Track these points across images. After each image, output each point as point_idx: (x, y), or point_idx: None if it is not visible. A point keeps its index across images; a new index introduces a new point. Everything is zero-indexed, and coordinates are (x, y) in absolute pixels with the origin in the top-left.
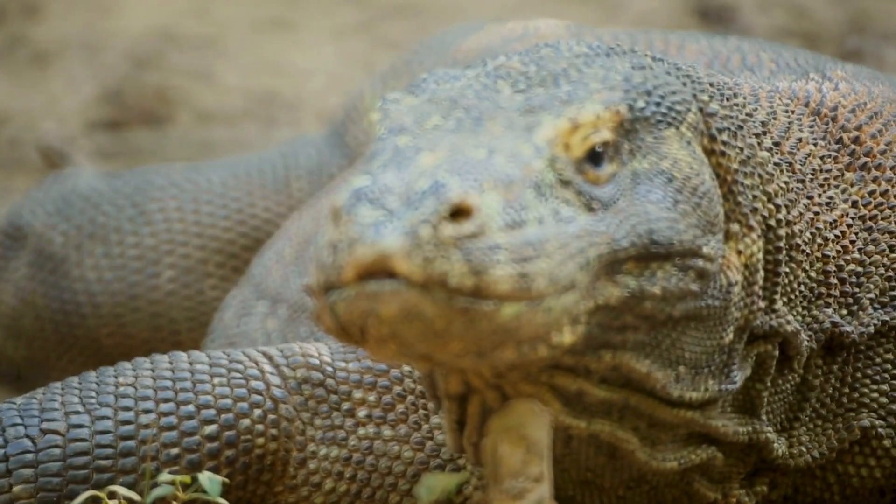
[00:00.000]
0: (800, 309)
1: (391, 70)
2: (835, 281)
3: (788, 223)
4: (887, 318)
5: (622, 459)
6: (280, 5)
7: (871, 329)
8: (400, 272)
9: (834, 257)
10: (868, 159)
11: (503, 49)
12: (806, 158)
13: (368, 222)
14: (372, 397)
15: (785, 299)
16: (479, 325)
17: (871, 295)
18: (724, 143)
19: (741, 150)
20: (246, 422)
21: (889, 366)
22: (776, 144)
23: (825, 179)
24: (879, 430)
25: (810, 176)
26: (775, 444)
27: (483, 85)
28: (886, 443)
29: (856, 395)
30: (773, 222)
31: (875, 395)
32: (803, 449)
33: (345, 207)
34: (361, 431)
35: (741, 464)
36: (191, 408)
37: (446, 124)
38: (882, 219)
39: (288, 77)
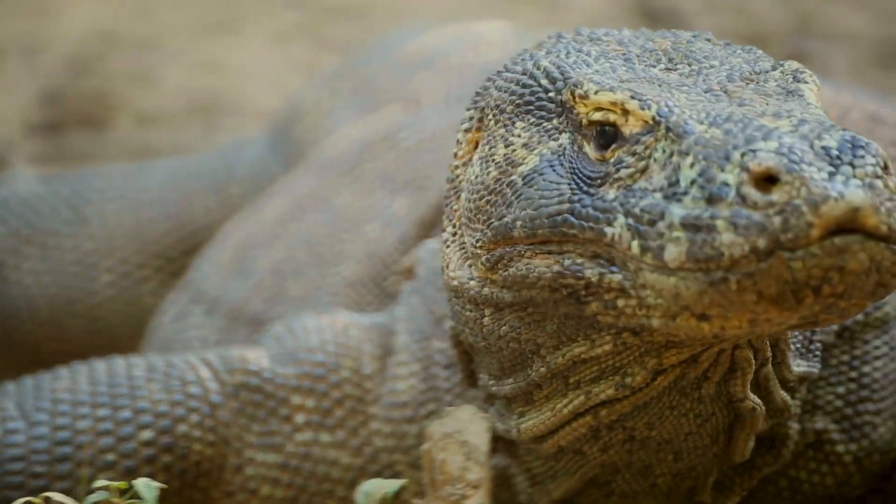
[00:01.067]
0: None
1: (335, 72)
2: None
3: None
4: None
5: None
6: (221, 8)
7: (831, 333)
8: (868, 226)
9: None
10: None
11: (447, 51)
12: None
13: (822, 179)
14: (310, 402)
15: None
16: None
17: None
18: None
19: None
20: (183, 427)
21: (845, 367)
22: None
23: None
24: (833, 434)
25: None
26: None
27: None
28: (840, 448)
29: (811, 396)
30: None
31: (830, 397)
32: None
33: (779, 168)
34: (299, 437)
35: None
36: (127, 413)
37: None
38: None
39: (229, 79)
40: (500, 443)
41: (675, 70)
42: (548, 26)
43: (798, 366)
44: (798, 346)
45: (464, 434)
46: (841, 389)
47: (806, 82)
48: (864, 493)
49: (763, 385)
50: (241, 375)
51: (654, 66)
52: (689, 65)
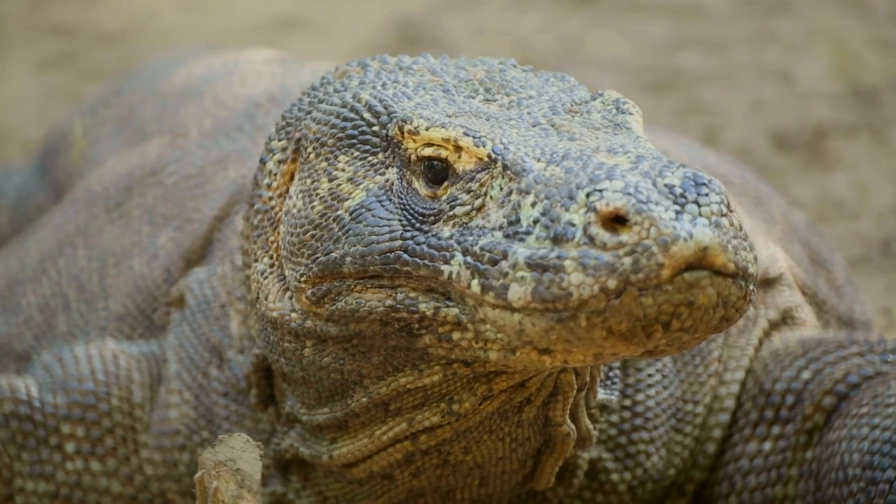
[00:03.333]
0: None
1: (100, 100)
2: None
3: None
4: None
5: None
6: None
7: None
8: (716, 264)
9: None
10: None
11: (214, 81)
12: None
13: (671, 218)
14: (80, 431)
15: None
16: (747, 307)
17: None
18: None
19: None
20: None
21: (619, 395)
22: None
23: None
24: (608, 463)
25: None
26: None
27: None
28: (614, 477)
29: (585, 424)
30: None
31: (605, 426)
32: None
33: (628, 208)
34: (69, 466)
35: None
36: None
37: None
38: None
39: None
40: (293, 464)
41: (495, 101)
42: (315, 54)
43: (599, 393)
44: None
45: (237, 462)
46: (615, 418)
47: (630, 113)
48: None
49: (573, 412)
50: (9, 405)
51: (474, 98)
52: (508, 95)
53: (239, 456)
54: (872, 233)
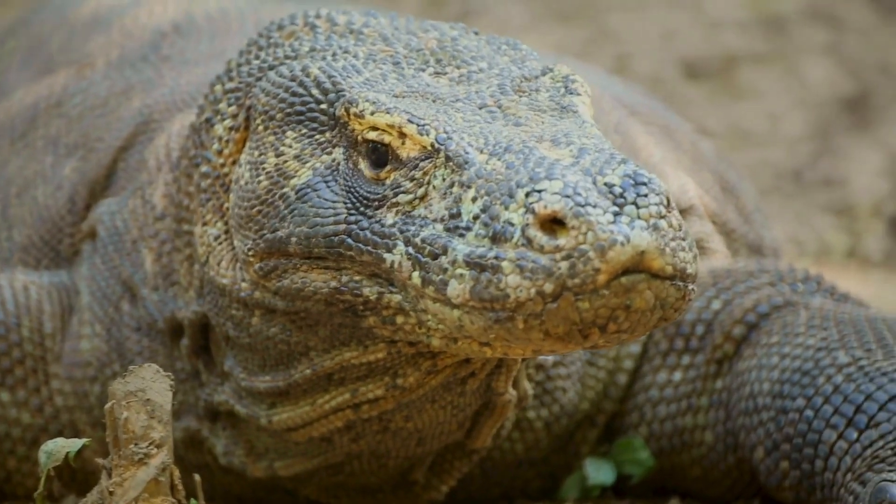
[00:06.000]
0: None
1: (8, 30)
2: None
3: None
4: None
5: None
6: None
7: None
8: (653, 268)
9: None
10: None
11: (122, 12)
12: None
13: (608, 222)
14: None
15: None
16: (686, 306)
17: None
18: None
19: None
20: None
21: None
22: None
23: None
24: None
25: None
26: None
27: None
28: (531, 414)
29: (524, 386)
30: None
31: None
32: None
33: (565, 212)
34: None
35: None
36: None
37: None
38: None
39: None
40: (223, 415)
41: (445, 74)
42: None
43: None
44: None
45: (147, 392)
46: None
47: (578, 94)
48: (549, 454)
49: (515, 378)
50: None
51: (424, 70)
52: (458, 67)
53: (149, 386)
54: (783, 162)
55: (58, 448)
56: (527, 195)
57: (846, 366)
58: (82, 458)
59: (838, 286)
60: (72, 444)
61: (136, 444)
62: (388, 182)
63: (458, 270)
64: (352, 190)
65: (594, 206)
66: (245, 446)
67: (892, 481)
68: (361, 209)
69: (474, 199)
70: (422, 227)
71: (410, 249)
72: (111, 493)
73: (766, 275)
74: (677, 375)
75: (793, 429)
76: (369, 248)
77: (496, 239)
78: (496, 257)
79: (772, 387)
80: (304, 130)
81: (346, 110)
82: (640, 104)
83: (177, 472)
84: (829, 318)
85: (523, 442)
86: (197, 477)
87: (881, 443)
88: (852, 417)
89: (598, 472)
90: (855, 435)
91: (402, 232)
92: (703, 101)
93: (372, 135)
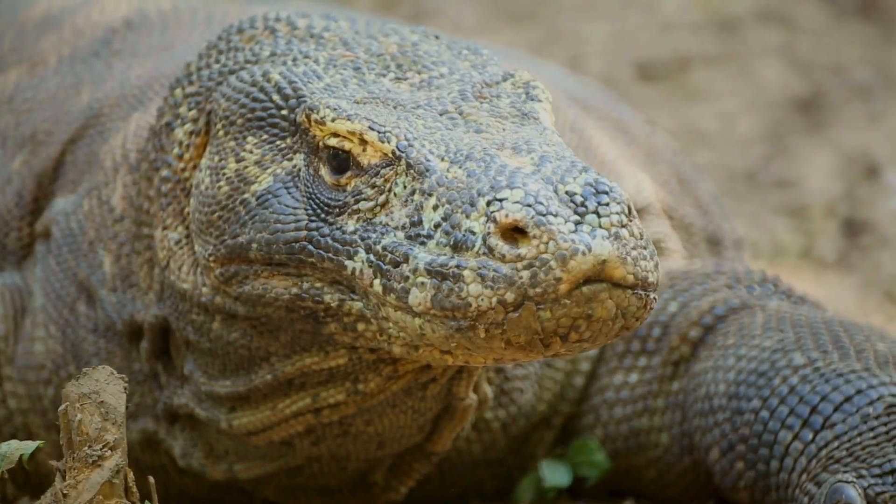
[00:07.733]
0: None
1: None
2: None
3: None
4: None
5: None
6: None
7: None
8: (615, 277)
9: None
10: None
11: (74, 10)
12: None
13: (570, 231)
14: None
15: None
16: (648, 315)
17: None
18: None
19: None
20: None
21: None
22: None
23: None
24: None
25: None
26: None
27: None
28: (489, 415)
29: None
30: None
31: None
32: None
33: (527, 221)
34: None
35: None
36: None
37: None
38: None
39: None
40: (182, 417)
41: (406, 80)
42: None
43: None
44: None
45: (101, 394)
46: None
47: (539, 100)
48: (505, 455)
49: (475, 383)
50: None
51: (385, 76)
52: (419, 73)
53: (103, 388)
54: (736, 163)
55: (11, 450)
56: (488, 204)
57: (802, 367)
58: (36, 461)
59: (795, 288)
60: (25, 447)
61: (89, 447)
62: (349, 189)
63: (420, 279)
64: (313, 196)
65: (555, 216)
66: (204, 448)
67: (847, 482)
68: (322, 216)
69: (435, 208)
70: (383, 234)
71: (372, 257)
72: (65, 496)
73: (722, 277)
74: (633, 377)
75: (748, 430)
76: (330, 254)
77: (457, 247)
78: (457, 266)
79: (728, 388)
80: (265, 136)
81: (307, 117)
82: (593, 98)
83: (131, 475)
84: (785, 321)
85: (480, 442)
86: (151, 479)
87: (836, 444)
88: (807, 418)
89: (554, 474)
90: (810, 436)
91: (363, 239)
92: (656, 102)
93: (333, 141)
